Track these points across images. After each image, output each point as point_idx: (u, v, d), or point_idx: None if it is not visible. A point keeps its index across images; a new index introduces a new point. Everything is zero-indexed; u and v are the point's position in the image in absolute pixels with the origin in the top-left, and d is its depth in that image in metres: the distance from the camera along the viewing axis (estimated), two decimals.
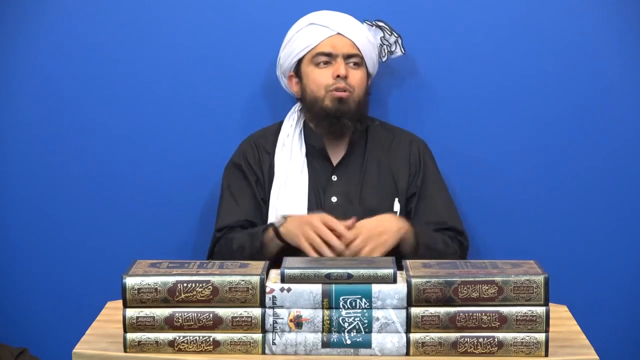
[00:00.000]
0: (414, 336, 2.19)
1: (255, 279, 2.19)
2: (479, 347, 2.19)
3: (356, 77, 2.97)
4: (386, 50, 3.10)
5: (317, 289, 2.19)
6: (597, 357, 2.20)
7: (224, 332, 2.20)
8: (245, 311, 2.19)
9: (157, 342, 2.21)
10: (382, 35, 3.10)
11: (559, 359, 2.19)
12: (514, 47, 3.19)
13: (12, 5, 3.19)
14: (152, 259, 2.33)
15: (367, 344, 2.20)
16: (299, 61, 3.01)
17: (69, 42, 3.20)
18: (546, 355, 2.19)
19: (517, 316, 2.18)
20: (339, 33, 2.98)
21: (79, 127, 3.22)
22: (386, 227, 2.79)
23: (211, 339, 2.20)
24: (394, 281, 2.19)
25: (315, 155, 3.02)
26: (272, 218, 2.92)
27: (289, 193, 2.94)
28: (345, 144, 3.02)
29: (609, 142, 3.21)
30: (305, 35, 2.99)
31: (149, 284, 2.19)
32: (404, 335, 2.20)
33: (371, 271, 2.19)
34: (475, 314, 2.18)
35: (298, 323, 2.19)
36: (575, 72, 3.19)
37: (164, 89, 3.21)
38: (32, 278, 3.26)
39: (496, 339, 2.19)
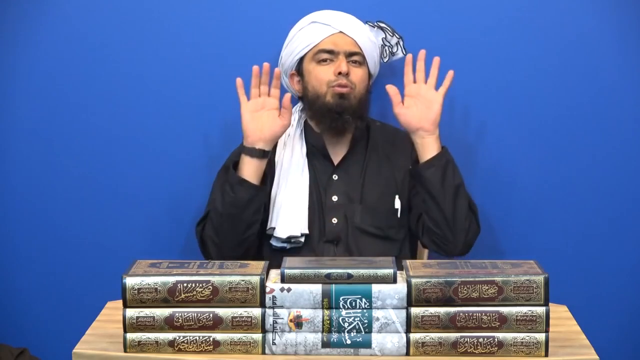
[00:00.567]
0: (414, 336, 2.19)
1: (255, 279, 2.19)
2: (479, 347, 2.19)
3: (358, 75, 2.97)
4: (388, 52, 3.11)
5: (317, 289, 2.19)
6: (597, 357, 2.20)
7: (224, 332, 2.20)
8: (245, 311, 2.19)
9: (157, 342, 2.21)
10: (383, 36, 3.10)
11: (559, 359, 2.19)
12: (515, 49, 3.19)
13: (12, 5, 3.19)
14: (152, 259, 2.33)
15: (367, 344, 2.20)
16: (301, 59, 3.01)
17: (69, 42, 3.19)
18: (546, 355, 2.19)
19: (517, 316, 2.18)
20: (341, 31, 2.99)
21: (79, 127, 3.22)
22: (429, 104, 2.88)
23: (211, 339, 2.20)
24: (394, 281, 2.19)
25: (316, 155, 3.02)
26: (272, 218, 2.93)
27: (289, 192, 2.94)
28: (346, 143, 3.02)
29: (609, 142, 3.21)
30: (308, 33, 2.99)
31: (149, 284, 2.19)
32: (404, 335, 2.20)
33: (371, 271, 2.19)
34: (475, 314, 2.18)
35: (298, 323, 2.19)
36: (576, 72, 3.19)
37: (164, 88, 3.21)
38: (32, 278, 3.26)
39: (496, 339, 2.19)
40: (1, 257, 3.27)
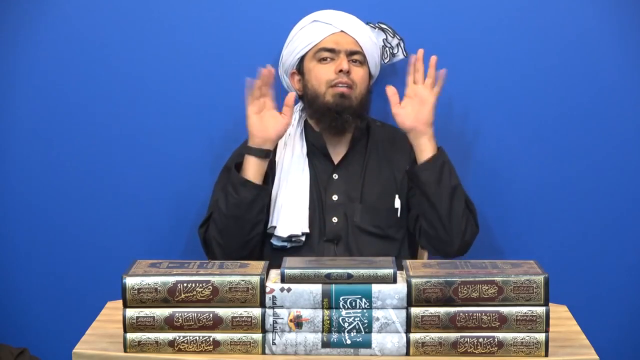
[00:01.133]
0: (414, 336, 2.19)
1: (255, 279, 2.19)
2: (479, 347, 2.19)
3: (358, 74, 2.98)
4: (388, 53, 3.11)
5: (317, 289, 2.19)
6: (597, 357, 2.20)
7: (224, 332, 2.20)
8: (245, 311, 2.19)
9: (157, 342, 2.21)
10: (384, 37, 3.11)
11: (559, 359, 2.19)
12: (515, 50, 3.19)
13: (12, 5, 3.19)
14: (152, 259, 2.33)
15: (367, 344, 2.20)
16: (302, 58, 3.01)
17: (69, 42, 3.19)
18: (546, 355, 2.19)
19: (517, 316, 2.18)
20: (342, 30, 2.99)
21: (79, 126, 3.22)
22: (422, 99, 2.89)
23: (211, 339, 2.20)
24: (394, 281, 2.19)
25: (317, 154, 3.02)
26: (273, 217, 2.93)
27: (290, 192, 2.94)
28: (346, 142, 3.03)
29: (609, 142, 3.21)
30: (309, 32, 3.00)
31: (149, 284, 2.19)
32: (404, 335, 2.20)
33: (371, 271, 2.19)
34: (475, 314, 2.18)
35: (298, 323, 2.19)
36: (575, 72, 3.19)
37: (165, 88, 3.21)
38: (32, 278, 3.26)
39: (496, 339, 2.19)
40: (1, 257, 3.27)
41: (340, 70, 2.94)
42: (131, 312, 2.20)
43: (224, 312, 2.20)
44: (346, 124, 2.96)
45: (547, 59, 3.19)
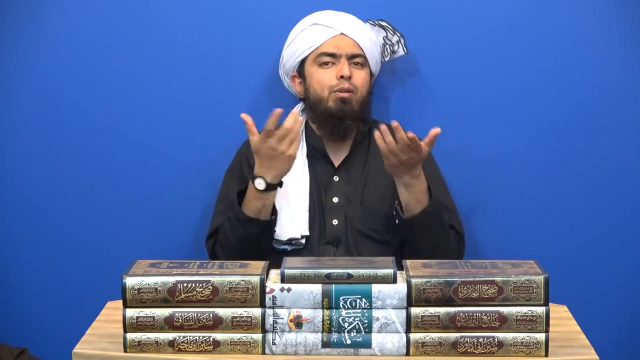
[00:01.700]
0: (414, 336, 2.19)
1: (255, 279, 2.19)
2: (479, 347, 2.19)
3: (360, 77, 2.97)
4: (389, 50, 3.10)
5: (317, 289, 2.19)
6: (597, 357, 2.20)
7: (224, 332, 2.20)
8: (245, 311, 2.19)
9: (157, 342, 2.21)
10: (384, 34, 3.10)
11: (559, 359, 2.19)
12: (516, 47, 3.19)
13: (12, 5, 3.19)
14: (152, 259, 2.33)
15: (367, 344, 2.20)
16: (302, 61, 3.01)
17: (69, 42, 3.19)
18: (546, 355, 2.19)
19: (517, 316, 2.18)
20: (342, 33, 2.98)
21: (80, 126, 3.22)
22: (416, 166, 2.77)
23: (211, 339, 2.20)
24: (394, 281, 2.19)
25: (317, 156, 3.01)
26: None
27: (290, 195, 2.94)
28: (348, 145, 3.02)
29: (609, 142, 3.21)
30: (309, 35, 2.99)
31: (149, 284, 2.19)
32: (404, 335, 2.20)
33: (371, 271, 2.19)
34: (475, 314, 2.18)
35: (298, 323, 2.19)
36: (576, 72, 3.19)
37: (165, 88, 3.21)
38: (32, 278, 3.26)
39: (496, 339, 2.19)
40: (1, 257, 3.27)
41: (342, 76, 2.94)
42: (131, 312, 2.20)
43: (224, 312, 2.20)
44: (348, 130, 2.96)
45: (548, 58, 3.19)
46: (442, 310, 2.18)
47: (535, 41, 3.18)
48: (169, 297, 2.19)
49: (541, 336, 2.19)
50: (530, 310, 2.18)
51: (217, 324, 2.20)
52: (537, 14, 3.18)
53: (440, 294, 2.18)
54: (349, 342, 2.20)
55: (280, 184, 2.81)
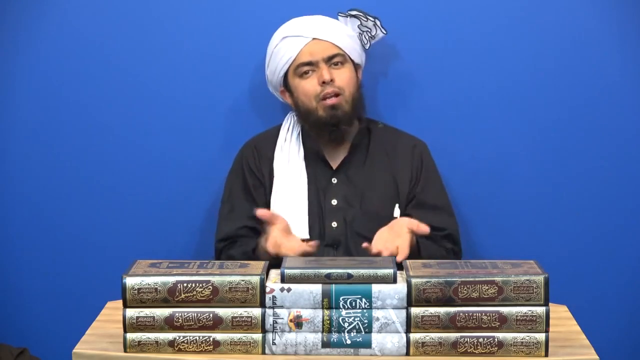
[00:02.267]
0: (414, 336, 2.19)
1: (255, 279, 2.19)
2: (479, 347, 2.19)
3: (343, 77, 2.94)
4: (367, 37, 3.05)
5: (317, 289, 2.19)
6: (597, 357, 2.20)
7: (224, 332, 2.20)
8: (245, 311, 2.19)
9: (157, 342, 2.21)
10: (359, 23, 3.04)
11: (559, 359, 2.19)
12: (516, 47, 3.18)
13: (12, 6, 3.19)
14: (152, 259, 2.33)
15: (367, 344, 2.20)
16: (285, 75, 2.99)
17: (69, 42, 3.19)
18: (546, 355, 2.19)
19: (517, 316, 2.18)
20: (314, 38, 2.95)
21: (80, 127, 3.22)
22: (398, 231, 2.72)
23: (211, 339, 2.20)
24: (394, 281, 2.19)
25: (315, 159, 3.00)
26: None
27: (288, 197, 2.93)
28: (345, 147, 3.00)
29: (608, 142, 3.21)
30: (282, 49, 2.96)
31: (149, 284, 2.19)
32: (404, 335, 2.20)
33: (371, 271, 2.19)
34: (475, 314, 2.18)
35: (298, 323, 2.19)
36: (576, 73, 3.19)
37: (165, 88, 3.21)
38: (32, 278, 3.26)
39: (496, 339, 2.19)
40: (1, 257, 3.27)
41: (324, 82, 2.92)
42: (131, 312, 2.20)
43: (224, 312, 2.20)
44: (344, 134, 2.95)
45: (546, 58, 3.18)
46: (442, 310, 2.18)
47: (535, 41, 3.18)
48: (169, 297, 2.19)
49: (541, 336, 2.19)
50: (530, 310, 2.18)
51: (217, 324, 2.20)
52: (537, 14, 3.18)
53: (440, 294, 2.18)
54: (349, 342, 2.20)
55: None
